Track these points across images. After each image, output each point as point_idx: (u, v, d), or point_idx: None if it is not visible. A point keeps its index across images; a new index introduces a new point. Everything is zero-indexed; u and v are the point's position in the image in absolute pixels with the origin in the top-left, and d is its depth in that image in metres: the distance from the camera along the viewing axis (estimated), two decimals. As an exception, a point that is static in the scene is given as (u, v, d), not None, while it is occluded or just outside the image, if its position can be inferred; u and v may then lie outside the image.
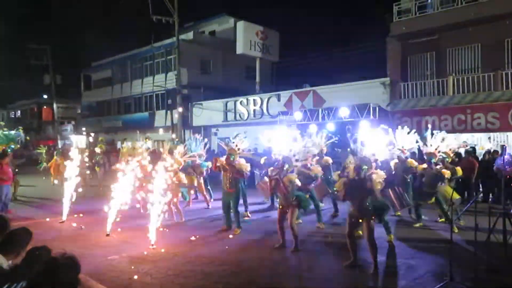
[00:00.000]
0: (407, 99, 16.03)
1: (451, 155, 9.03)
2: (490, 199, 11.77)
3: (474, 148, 12.80)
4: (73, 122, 40.49)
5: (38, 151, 19.28)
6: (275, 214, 9.18)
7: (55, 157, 15.64)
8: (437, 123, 14.55)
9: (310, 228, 8.67)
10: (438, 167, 8.34)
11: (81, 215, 9.91)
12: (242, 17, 24.71)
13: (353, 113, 15.12)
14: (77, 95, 38.29)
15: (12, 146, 14.23)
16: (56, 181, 14.36)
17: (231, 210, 8.44)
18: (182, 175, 9.41)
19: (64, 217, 9.44)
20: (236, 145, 8.58)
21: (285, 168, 7.05)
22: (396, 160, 9.14)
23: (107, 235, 7.91)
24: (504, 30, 14.58)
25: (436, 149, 8.62)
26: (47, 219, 9.63)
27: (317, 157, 9.71)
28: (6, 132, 14.98)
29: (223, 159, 8.54)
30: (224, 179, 8.36)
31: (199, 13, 38.31)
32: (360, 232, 6.66)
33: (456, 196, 7.95)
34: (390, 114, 15.80)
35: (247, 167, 8.38)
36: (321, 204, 10.57)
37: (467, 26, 15.19)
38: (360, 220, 5.93)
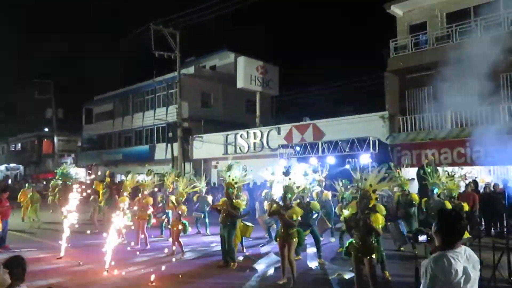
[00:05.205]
0: (406, 132, 16.15)
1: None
2: (492, 233, 11.64)
3: (475, 181, 12.76)
4: (73, 155, 40.54)
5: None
6: (275, 249, 9.08)
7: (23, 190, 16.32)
8: (436, 156, 14.58)
9: (311, 263, 8.52)
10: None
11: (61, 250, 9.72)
12: (242, 52, 25.31)
13: (353, 147, 15.19)
14: (78, 128, 38.58)
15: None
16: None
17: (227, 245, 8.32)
18: (184, 207, 9.39)
19: (62, 253, 9.28)
20: (232, 179, 8.53)
21: (288, 197, 6.99)
22: (400, 193, 9.13)
23: (106, 271, 7.76)
24: (499, 65, 14.87)
25: (440, 180, 8.61)
26: (44, 255, 9.45)
27: (317, 191, 9.71)
28: (66, 170, 17.05)
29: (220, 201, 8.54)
30: (222, 214, 8.28)
31: (201, 48, 39.27)
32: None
33: (467, 235, 7.84)
34: (389, 147, 15.87)
35: (241, 205, 8.29)
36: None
37: (462, 62, 15.50)
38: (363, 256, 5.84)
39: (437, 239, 2.83)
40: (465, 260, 2.65)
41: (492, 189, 12.33)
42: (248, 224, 9.13)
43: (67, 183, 16.54)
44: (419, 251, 8.81)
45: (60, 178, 16.89)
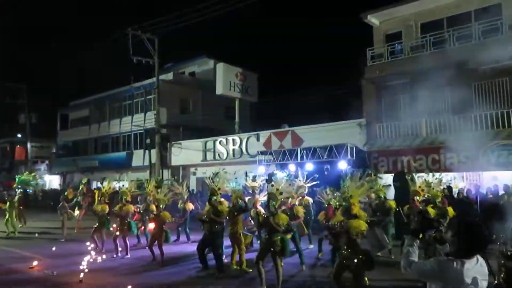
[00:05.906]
0: (383, 139, 16.45)
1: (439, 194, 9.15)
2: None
3: (450, 187, 13.02)
4: (47, 162, 39.47)
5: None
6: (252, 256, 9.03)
7: None
8: (412, 162, 14.89)
9: (293, 269, 8.50)
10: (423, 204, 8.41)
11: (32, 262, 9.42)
12: (221, 59, 25.33)
13: (331, 153, 15.36)
14: (53, 134, 37.61)
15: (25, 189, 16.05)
16: None
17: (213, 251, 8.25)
18: (167, 214, 9.28)
19: (34, 262, 8.97)
20: (217, 186, 8.51)
21: (271, 205, 6.95)
22: (377, 201, 9.26)
23: (80, 281, 7.54)
24: (471, 75, 15.36)
25: (420, 187, 8.74)
26: (15, 265, 9.09)
27: (299, 197, 9.77)
28: (22, 177, 16.42)
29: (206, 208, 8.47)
30: (206, 224, 8.19)
31: (180, 54, 39.05)
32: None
33: None
34: (366, 154, 16.12)
35: (225, 211, 8.25)
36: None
37: (436, 71, 15.94)
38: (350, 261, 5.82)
39: (453, 244, 2.71)
40: (476, 270, 2.59)
41: (465, 194, 12.63)
42: (248, 234, 9.17)
43: (27, 190, 16.01)
44: (396, 257, 9.00)
45: (19, 186, 16.07)
